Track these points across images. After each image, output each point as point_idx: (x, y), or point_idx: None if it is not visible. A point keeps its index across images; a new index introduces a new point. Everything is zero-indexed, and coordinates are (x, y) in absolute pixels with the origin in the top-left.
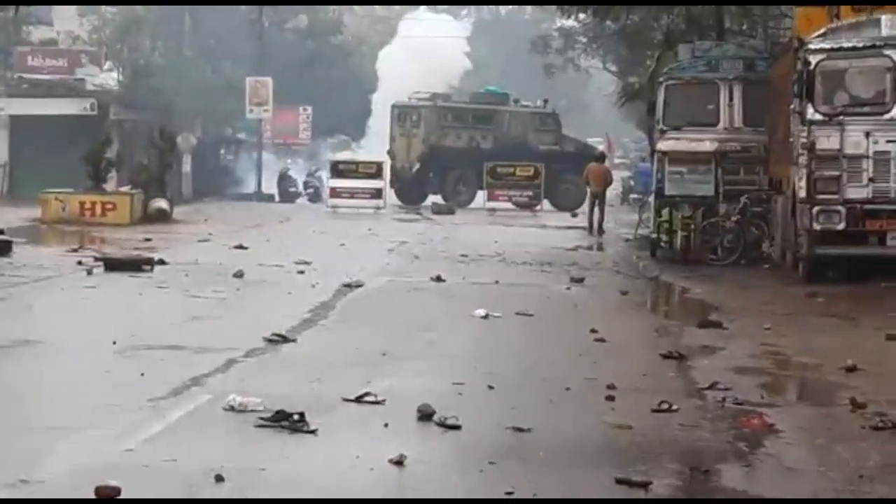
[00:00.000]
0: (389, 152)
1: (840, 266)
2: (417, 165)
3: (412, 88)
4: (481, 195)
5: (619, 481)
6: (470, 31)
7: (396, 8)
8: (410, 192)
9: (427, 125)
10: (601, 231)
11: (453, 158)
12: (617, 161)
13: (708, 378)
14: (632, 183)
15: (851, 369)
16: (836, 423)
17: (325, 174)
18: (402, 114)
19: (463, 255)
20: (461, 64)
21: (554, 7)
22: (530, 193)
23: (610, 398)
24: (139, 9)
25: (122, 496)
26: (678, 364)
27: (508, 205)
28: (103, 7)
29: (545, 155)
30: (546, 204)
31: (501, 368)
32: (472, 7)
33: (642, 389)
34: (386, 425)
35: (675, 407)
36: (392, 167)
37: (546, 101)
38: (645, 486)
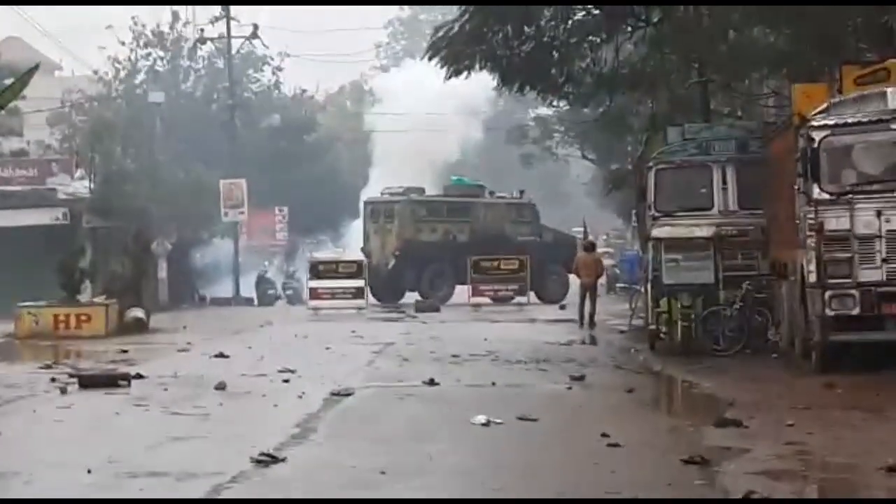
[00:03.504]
0: (364, 249)
1: (854, 354)
2: (393, 261)
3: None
4: (460, 290)
5: None
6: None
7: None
8: (387, 289)
9: (401, 220)
10: (592, 324)
11: (429, 253)
12: (600, 250)
13: (740, 486)
14: (617, 272)
15: (893, 469)
16: None
17: (303, 275)
18: (374, 210)
19: (454, 356)
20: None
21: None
22: (516, 287)
23: None
24: (109, 114)
25: None
26: (702, 470)
27: (489, 299)
28: (73, 115)
29: (524, 246)
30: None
31: (512, 483)
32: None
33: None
34: None
35: None
36: (368, 264)
37: (522, 192)
38: None
